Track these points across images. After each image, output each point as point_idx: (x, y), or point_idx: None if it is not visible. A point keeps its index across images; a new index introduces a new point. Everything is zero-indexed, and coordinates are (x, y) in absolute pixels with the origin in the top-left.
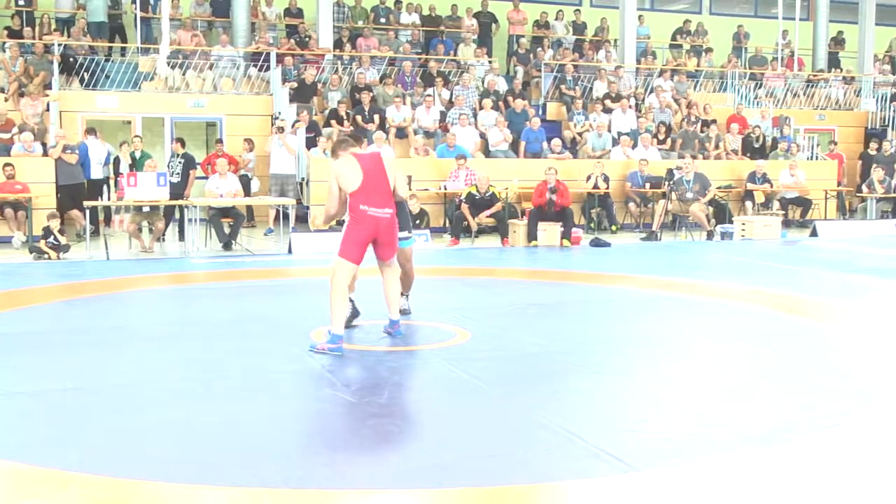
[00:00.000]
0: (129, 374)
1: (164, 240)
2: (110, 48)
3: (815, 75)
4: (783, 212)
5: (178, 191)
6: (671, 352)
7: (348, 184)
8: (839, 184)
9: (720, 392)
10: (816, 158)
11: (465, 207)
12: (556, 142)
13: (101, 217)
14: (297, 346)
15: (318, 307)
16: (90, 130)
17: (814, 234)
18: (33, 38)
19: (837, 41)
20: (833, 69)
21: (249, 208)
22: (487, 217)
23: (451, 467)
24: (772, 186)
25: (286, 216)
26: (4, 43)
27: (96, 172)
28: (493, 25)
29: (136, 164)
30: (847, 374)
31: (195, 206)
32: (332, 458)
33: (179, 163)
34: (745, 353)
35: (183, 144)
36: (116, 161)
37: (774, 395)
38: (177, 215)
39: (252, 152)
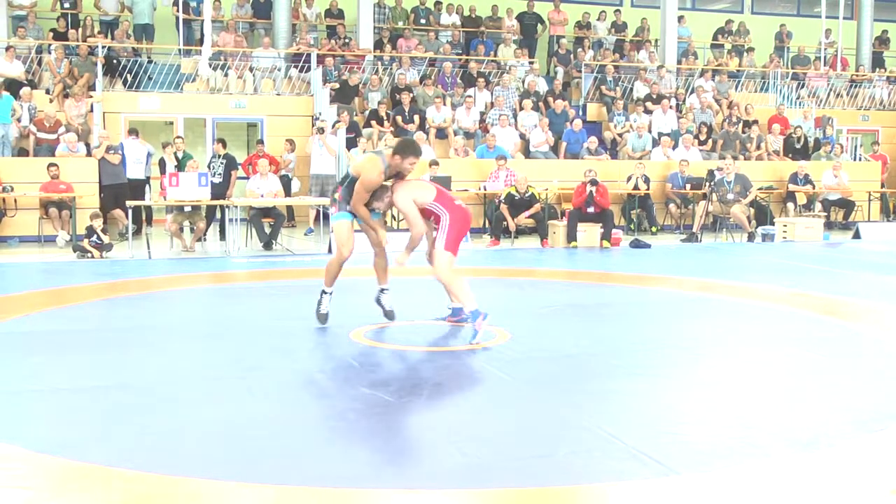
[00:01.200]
0: (170, 371)
1: (205, 239)
2: (151, 50)
3: (858, 75)
4: (825, 213)
5: (219, 191)
6: (712, 354)
7: (426, 194)
8: (882, 185)
9: (762, 395)
10: (860, 159)
11: (504, 208)
12: (593, 139)
13: (144, 216)
14: (336, 346)
15: (358, 307)
16: (132, 131)
17: (856, 236)
18: (78, 40)
19: (882, 40)
20: (877, 69)
21: (290, 208)
22: (527, 218)
23: (490, 468)
24: (814, 188)
25: (326, 216)
26: (50, 45)
27: (134, 172)
28: (539, 26)
29: (179, 165)
30: (892, 377)
31: (236, 207)
32: (371, 458)
33: (221, 163)
34: (787, 356)
35: (224, 145)
36: (162, 162)
37: (817, 398)
38: (218, 215)
39: (293, 153)
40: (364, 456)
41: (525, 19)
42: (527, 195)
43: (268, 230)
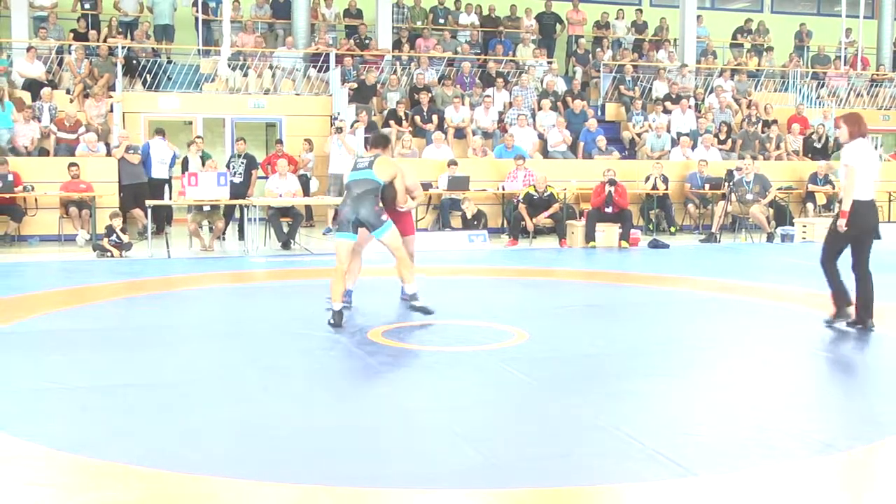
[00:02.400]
0: (189, 370)
1: (224, 239)
2: (171, 50)
3: (879, 74)
4: None
5: (239, 191)
6: (730, 355)
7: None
8: None
9: (780, 396)
10: (880, 159)
11: (522, 207)
12: (601, 138)
13: (165, 215)
14: (353, 345)
15: (376, 307)
16: (159, 131)
17: (876, 236)
18: (98, 40)
19: None
20: None
21: (308, 208)
22: (546, 218)
23: (507, 468)
24: (833, 188)
25: None
26: (71, 46)
27: (158, 172)
28: (558, 26)
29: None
30: None
31: (255, 206)
32: (389, 457)
33: (242, 163)
34: (806, 358)
35: (244, 144)
36: (185, 161)
37: (835, 400)
38: (237, 215)
39: (311, 152)
40: (382, 456)
41: (543, 19)
42: (546, 195)
43: (286, 230)
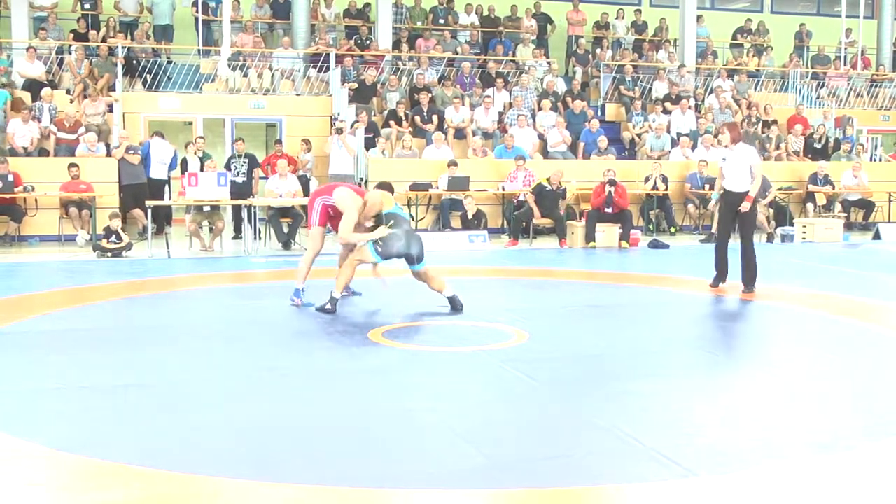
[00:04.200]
0: (190, 370)
1: (242, 237)
2: (170, 50)
3: (879, 75)
4: (845, 214)
5: (243, 190)
6: (730, 355)
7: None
8: None
9: (781, 397)
10: (879, 160)
11: (531, 198)
12: (602, 138)
13: (165, 216)
14: (353, 346)
15: (376, 306)
16: (157, 133)
17: (877, 236)
18: (98, 41)
19: None
20: None
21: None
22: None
23: (508, 468)
24: (834, 188)
25: None
26: (71, 46)
27: (157, 172)
28: (549, 26)
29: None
30: None
31: (254, 206)
32: (389, 457)
33: (244, 163)
34: (806, 358)
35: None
36: (184, 162)
37: (836, 400)
38: (244, 214)
39: (310, 153)
40: (383, 456)
41: (537, 20)
42: (560, 189)
43: (286, 230)
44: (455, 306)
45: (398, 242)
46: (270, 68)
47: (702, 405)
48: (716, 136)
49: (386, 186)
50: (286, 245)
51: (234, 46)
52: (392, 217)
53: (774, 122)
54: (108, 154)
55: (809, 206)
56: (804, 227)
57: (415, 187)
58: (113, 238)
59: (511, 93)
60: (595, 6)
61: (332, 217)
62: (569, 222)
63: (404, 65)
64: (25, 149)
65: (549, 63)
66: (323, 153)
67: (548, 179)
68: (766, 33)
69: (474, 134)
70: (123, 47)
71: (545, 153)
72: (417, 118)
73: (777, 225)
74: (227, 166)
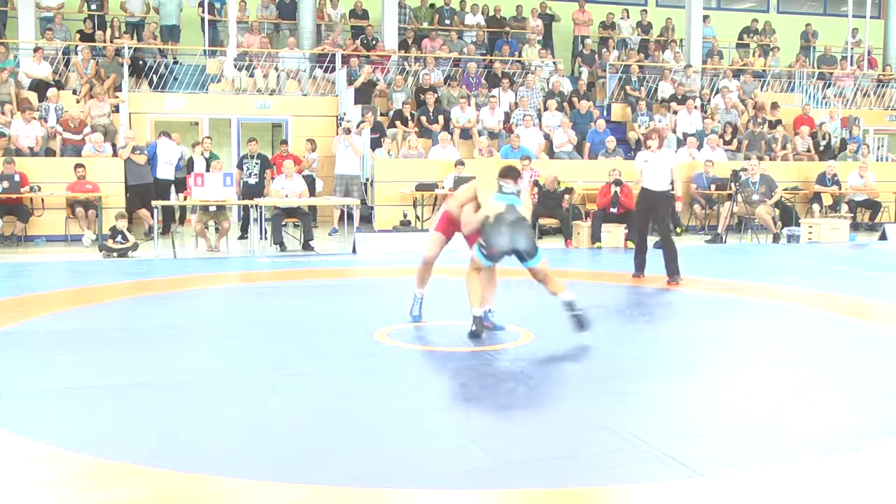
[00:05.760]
0: (196, 370)
1: (246, 237)
2: (177, 51)
3: (885, 75)
4: (851, 214)
5: (255, 191)
6: (737, 356)
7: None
8: None
9: (787, 397)
10: (886, 160)
11: (532, 189)
12: (611, 139)
13: (177, 216)
14: (360, 346)
15: (382, 307)
16: (165, 133)
17: (883, 237)
18: (104, 41)
19: None
20: None
21: (313, 208)
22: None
23: (514, 468)
24: (840, 188)
25: (350, 216)
26: (77, 46)
27: (164, 172)
28: (553, 24)
29: (206, 165)
30: None
31: (261, 207)
32: (396, 457)
33: (256, 163)
34: (813, 358)
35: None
36: (190, 162)
37: (843, 401)
38: (254, 215)
39: (315, 152)
40: (388, 455)
41: (543, 19)
42: (559, 191)
43: (293, 231)
44: (580, 322)
45: (501, 239)
46: (276, 68)
47: (708, 405)
48: (721, 136)
49: (501, 172)
50: (282, 245)
51: (240, 47)
52: (496, 208)
53: (780, 122)
54: (115, 154)
55: (816, 206)
56: (810, 227)
57: (420, 187)
58: (119, 238)
59: (517, 93)
60: (601, 6)
61: (453, 222)
62: (574, 222)
63: (410, 65)
64: (31, 149)
65: (554, 63)
66: (329, 153)
67: (545, 178)
68: (772, 33)
69: (480, 134)
70: (130, 48)
71: (551, 153)
72: (423, 118)
73: (783, 225)
74: (240, 166)
